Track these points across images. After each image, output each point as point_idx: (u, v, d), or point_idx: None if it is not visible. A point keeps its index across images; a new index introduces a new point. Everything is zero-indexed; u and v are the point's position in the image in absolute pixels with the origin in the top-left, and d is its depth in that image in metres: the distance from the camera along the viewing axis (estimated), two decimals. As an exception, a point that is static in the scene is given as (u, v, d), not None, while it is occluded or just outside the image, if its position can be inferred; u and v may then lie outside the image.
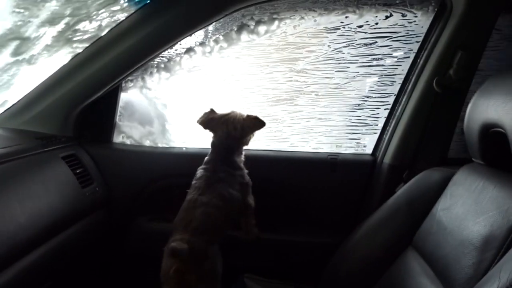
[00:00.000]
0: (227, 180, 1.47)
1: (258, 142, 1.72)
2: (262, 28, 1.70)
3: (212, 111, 1.56)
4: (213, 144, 1.54)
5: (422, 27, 1.62)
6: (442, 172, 1.29)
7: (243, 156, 1.57)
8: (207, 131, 1.56)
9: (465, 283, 0.91)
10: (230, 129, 1.50)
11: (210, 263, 1.36)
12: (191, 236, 1.32)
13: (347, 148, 1.82)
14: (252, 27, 1.70)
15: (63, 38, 1.59)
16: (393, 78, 1.73)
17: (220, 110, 1.58)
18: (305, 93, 1.83)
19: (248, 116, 1.52)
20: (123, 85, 1.76)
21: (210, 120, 1.54)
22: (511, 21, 1.57)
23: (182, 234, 1.34)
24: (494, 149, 1.08)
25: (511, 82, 1.01)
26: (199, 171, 1.51)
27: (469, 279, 0.91)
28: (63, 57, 1.58)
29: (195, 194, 1.43)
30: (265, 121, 1.50)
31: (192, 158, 1.73)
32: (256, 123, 1.51)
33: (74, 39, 1.57)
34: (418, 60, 1.60)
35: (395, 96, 1.70)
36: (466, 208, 1.07)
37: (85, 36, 1.55)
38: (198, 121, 1.57)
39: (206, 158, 1.54)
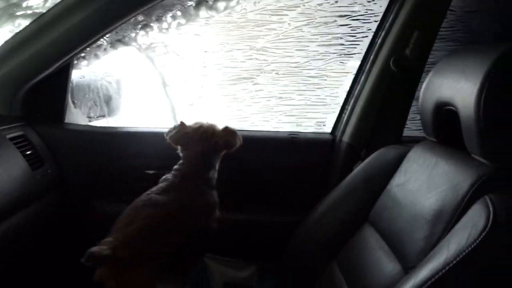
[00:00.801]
0: (195, 192, 1.35)
1: (218, 122, 1.70)
2: (221, 4, 1.66)
3: (182, 124, 1.42)
4: (187, 157, 1.41)
5: (380, 6, 1.64)
6: (397, 149, 1.33)
7: (216, 173, 1.47)
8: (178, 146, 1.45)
9: (417, 255, 0.95)
10: (211, 145, 1.39)
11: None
12: (123, 241, 1.13)
13: (307, 127, 1.84)
14: (211, 2, 1.66)
15: (6, 14, 1.49)
16: (352, 57, 1.75)
17: (189, 120, 1.48)
18: (265, 72, 1.82)
19: (225, 129, 1.43)
20: (75, 62, 1.68)
21: (182, 136, 1.40)
22: (465, 2, 1.61)
23: (116, 235, 1.16)
24: (447, 127, 1.11)
25: (463, 61, 1.04)
26: (166, 176, 1.39)
27: (421, 252, 0.94)
28: (6, 34, 1.48)
29: (151, 193, 1.30)
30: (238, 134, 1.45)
31: (150, 138, 1.69)
32: (236, 139, 1.43)
33: (17, 14, 1.47)
34: (376, 40, 1.62)
35: (353, 76, 1.72)
36: (419, 184, 1.10)
37: (29, 12, 1.45)
38: (168, 137, 1.44)
39: (177, 167, 1.41)
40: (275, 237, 1.61)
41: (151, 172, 1.69)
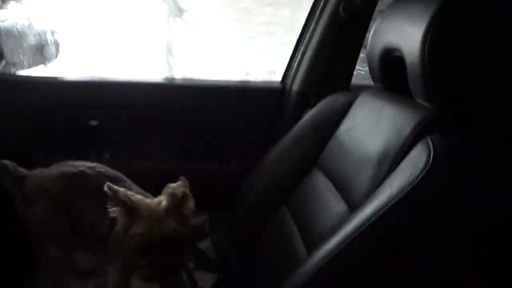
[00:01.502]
0: None
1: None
2: None
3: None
4: None
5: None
6: (345, 96, 1.35)
7: None
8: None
9: (363, 196, 0.99)
10: None
11: None
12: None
13: (257, 76, 1.81)
14: None
15: None
16: (302, 4, 1.72)
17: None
18: (214, 18, 1.75)
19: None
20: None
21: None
22: None
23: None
24: (393, 73, 1.14)
25: (410, 7, 1.05)
26: None
27: (367, 192, 0.99)
28: None
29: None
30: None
31: (89, 87, 1.61)
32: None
33: None
34: (327, -15, 1.59)
35: (303, 23, 1.69)
36: (366, 128, 1.14)
37: None
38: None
39: None
40: (226, 186, 1.62)
41: (94, 123, 1.62)
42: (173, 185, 1.03)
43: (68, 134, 1.61)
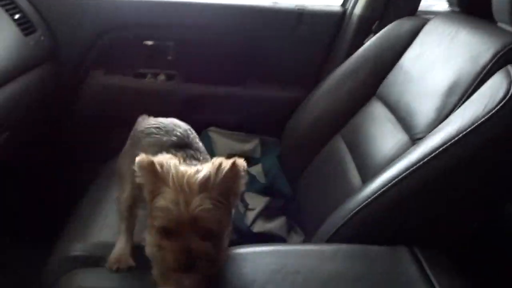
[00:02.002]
0: None
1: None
2: None
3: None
4: None
5: None
6: (413, 21, 1.25)
7: None
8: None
9: (427, 126, 0.94)
10: None
11: None
12: None
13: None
14: None
15: None
16: None
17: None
18: None
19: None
20: None
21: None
22: None
23: None
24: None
25: None
26: None
27: (431, 123, 0.94)
28: None
29: None
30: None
31: (149, 7, 1.58)
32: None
33: None
34: None
35: None
36: (435, 55, 1.06)
37: None
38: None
39: None
40: (278, 112, 1.61)
41: (149, 43, 1.61)
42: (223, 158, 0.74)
43: (124, 54, 1.62)
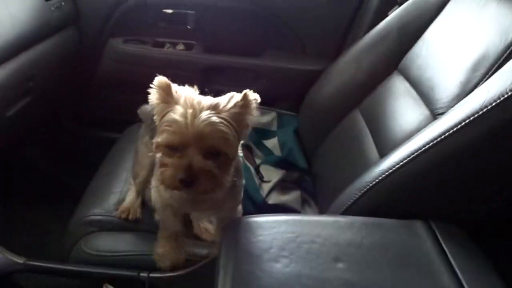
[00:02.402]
0: None
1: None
2: None
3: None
4: None
5: None
6: (440, -7, 1.20)
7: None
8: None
9: (450, 101, 0.92)
10: None
11: None
12: None
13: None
14: None
15: None
16: None
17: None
18: None
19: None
20: None
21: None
22: None
23: None
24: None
25: None
26: None
27: (454, 97, 0.92)
28: None
29: None
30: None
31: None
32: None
33: None
34: None
35: None
36: (462, 28, 1.02)
37: None
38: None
39: None
40: (297, 85, 1.59)
41: (169, 11, 1.60)
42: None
43: (143, 22, 1.62)
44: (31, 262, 1.05)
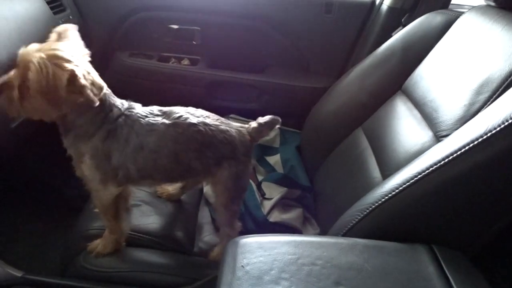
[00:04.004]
0: None
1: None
2: None
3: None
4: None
5: None
6: (446, 15, 1.21)
7: None
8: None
9: (454, 123, 0.92)
10: None
11: None
12: None
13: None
14: None
15: None
16: None
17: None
18: None
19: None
20: None
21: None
22: None
23: None
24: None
25: None
26: None
27: (458, 120, 0.91)
28: None
29: None
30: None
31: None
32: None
33: None
34: None
35: None
36: (467, 51, 1.03)
37: None
38: None
39: None
40: (300, 102, 1.59)
41: (175, 27, 1.62)
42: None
43: (149, 37, 1.63)
44: (29, 276, 1.04)
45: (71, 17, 1.45)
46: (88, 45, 1.58)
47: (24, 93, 0.86)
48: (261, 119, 1.10)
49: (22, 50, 0.87)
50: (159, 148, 0.95)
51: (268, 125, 1.10)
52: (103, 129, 0.93)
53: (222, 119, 1.06)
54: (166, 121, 0.96)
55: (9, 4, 1.18)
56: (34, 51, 0.86)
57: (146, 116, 0.97)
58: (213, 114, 1.04)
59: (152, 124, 0.95)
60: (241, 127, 1.09)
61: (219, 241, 1.15)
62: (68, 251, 1.07)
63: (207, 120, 1.00)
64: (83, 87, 0.85)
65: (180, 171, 1.01)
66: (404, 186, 0.78)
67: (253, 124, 1.09)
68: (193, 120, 0.98)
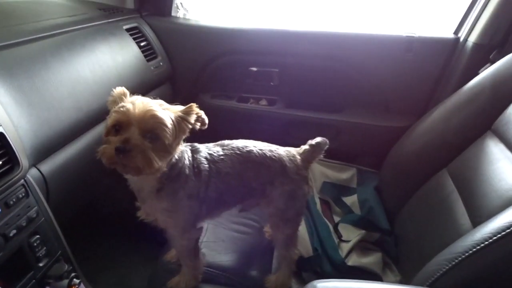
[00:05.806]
0: None
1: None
2: None
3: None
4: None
5: None
6: (540, 50, 1.13)
7: None
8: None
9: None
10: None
11: None
12: None
13: (425, 26, 1.64)
14: None
15: None
16: None
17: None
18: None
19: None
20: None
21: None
22: None
23: None
24: None
25: None
26: None
27: (561, 164, 0.83)
28: None
29: None
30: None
31: (255, 35, 1.66)
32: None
33: None
34: None
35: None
36: None
37: None
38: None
39: None
40: (378, 142, 1.56)
41: (254, 69, 1.69)
42: None
43: (231, 79, 1.72)
44: None
45: (161, 63, 1.59)
46: (175, 88, 1.73)
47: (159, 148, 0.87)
48: (312, 141, 1.16)
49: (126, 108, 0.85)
50: (230, 169, 1.04)
51: (319, 146, 1.16)
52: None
53: (271, 145, 1.13)
54: (226, 150, 1.07)
55: (110, 54, 1.33)
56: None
57: (209, 149, 1.06)
58: (262, 143, 1.13)
59: (218, 151, 1.05)
60: (289, 150, 1.15)
61: (277, 265, 1.17)
62: (151, 283, 1.12)
63: (258, 146, 1.10)
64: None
65: (243, 192, 1.09)
66: (498, 236, 0.72)
67: (304, 146, 1.16)
68: (248, 144, 1.09)
